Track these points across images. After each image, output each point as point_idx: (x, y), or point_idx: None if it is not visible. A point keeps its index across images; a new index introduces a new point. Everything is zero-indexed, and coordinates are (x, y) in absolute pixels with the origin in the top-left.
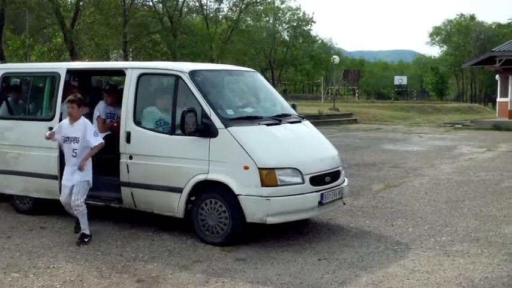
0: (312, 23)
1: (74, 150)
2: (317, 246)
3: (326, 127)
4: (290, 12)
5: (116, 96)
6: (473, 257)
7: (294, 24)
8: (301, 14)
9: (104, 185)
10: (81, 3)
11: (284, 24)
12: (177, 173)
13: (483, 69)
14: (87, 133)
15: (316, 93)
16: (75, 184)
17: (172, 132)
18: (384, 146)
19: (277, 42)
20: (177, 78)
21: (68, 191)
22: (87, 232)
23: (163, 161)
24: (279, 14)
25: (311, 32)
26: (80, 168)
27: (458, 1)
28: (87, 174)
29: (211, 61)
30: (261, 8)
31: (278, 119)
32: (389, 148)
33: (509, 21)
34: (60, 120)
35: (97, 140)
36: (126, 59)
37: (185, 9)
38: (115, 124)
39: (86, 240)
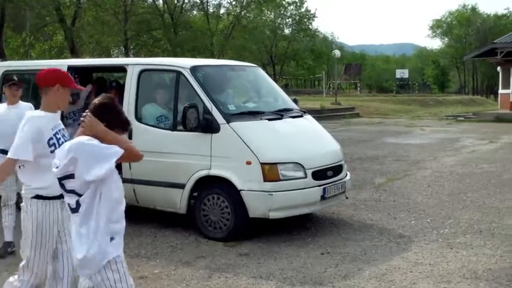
0: (314, 18)
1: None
2: (320, 240)
3: (328, 121)
4: (292, 7)
5: (119, 94)
6: (476, 249)
7: (297, 18)
8: (303, 10)
9: None
10: (80, 0)
11: (286, 19)
12: (179, 169)
13: (484, 61)
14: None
15: (318, 88)
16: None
17: (174, 128)
18: (386, 139)
19: (278, 37)
20: (178, 74)
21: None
22: None
23: (165, 157)
24: (281, 10)
25: (312, 26)
26: None
27: None
28: None
29: (212, 57)
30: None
31: (280, 114)
32: (392, 141)
33: (506, 11)
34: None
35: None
36: (127, 56)
37: (186, 6)
38: None
39: None
